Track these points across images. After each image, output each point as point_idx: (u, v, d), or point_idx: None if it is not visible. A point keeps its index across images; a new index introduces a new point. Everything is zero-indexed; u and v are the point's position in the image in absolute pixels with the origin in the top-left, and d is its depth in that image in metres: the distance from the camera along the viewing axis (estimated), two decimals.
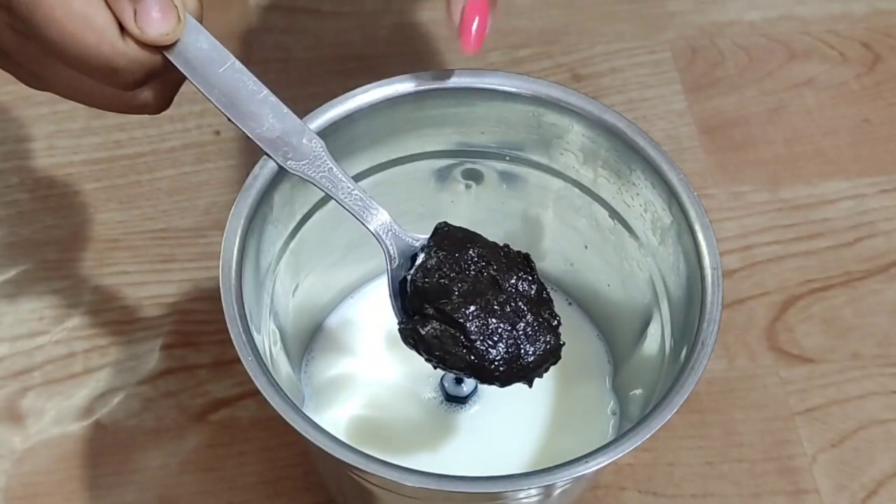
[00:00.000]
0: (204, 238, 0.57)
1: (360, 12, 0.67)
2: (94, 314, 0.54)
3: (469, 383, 0.47)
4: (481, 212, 0.49)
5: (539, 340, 0.37)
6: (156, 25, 0.34)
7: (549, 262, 0.51)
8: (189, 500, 0.49)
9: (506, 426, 0.47)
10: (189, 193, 0.59)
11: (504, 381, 0.37)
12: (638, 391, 0.45)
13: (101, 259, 0.56)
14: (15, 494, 0.49)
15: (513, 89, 0.43)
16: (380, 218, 0.39)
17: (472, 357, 0.37)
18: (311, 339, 0.50)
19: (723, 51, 0.66)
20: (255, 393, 0.35)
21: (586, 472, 0.35)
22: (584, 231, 0.47)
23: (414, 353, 0.38)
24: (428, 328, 0.37)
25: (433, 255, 0.39)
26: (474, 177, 0.47)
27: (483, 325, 0.37)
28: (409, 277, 0.39)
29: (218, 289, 0.37)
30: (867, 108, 0.64)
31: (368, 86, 0.42)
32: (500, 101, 0.43)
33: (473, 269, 0.38)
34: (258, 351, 0.37)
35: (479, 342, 0.37)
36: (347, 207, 0.38)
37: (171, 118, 0.62)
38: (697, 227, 0.40)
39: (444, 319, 0.37)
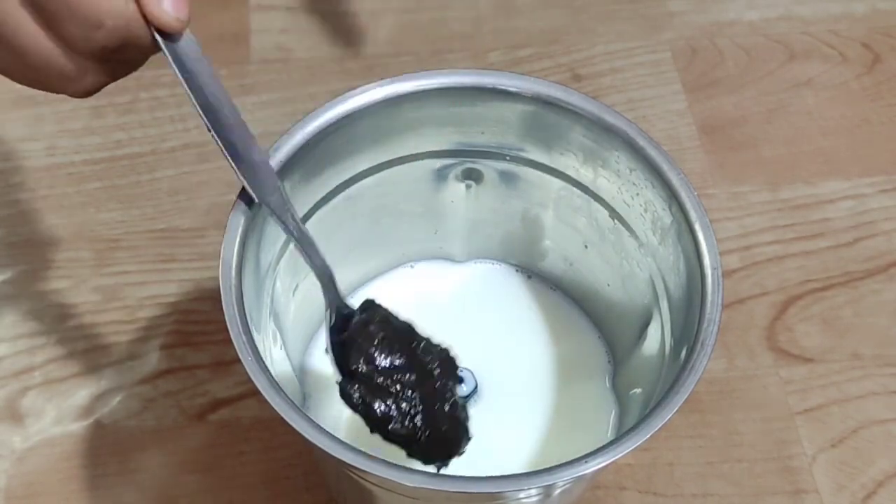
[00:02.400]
0: (204, 238, 0.57)
1: (360, 12, 0.67)
2: (94, 314, 0.54)
3: (469, 383, 0.47)
4: (481, 212, 0.49)
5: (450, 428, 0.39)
6: (176, 5, 0.34)
7: (549, 262, 0.51)
8: (189, 500, 0.49)
9: (506, 426, 0.47)
10: (189, 193, 0.59)
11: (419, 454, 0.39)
12: (638, 391, 0.45)
13: (101, 259, 0.56)
14: (15, 494, 0.49)
15: (513, 89, 0.43)
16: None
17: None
18: (310, 339, 0.50)
19: (723, 51, 0.66)
20: (255, 393, 0.35)
21: (586, 472, 0.35)
22: (584, 231, 0.47)
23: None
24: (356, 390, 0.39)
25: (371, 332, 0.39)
26: (474, 177, 0.47)
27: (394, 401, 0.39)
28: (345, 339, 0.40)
29: (218, 289, 0.37)
30: (867, 108, 0.64)
31: (368, 86, 0.42)
32: (500, 101, 0.43)
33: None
34: (258, 351, 0.37)
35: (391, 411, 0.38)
36: (301, 251, 0.39)
37: (171, 118, 0.62)
38: (697, 227, 0.40)
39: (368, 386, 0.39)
